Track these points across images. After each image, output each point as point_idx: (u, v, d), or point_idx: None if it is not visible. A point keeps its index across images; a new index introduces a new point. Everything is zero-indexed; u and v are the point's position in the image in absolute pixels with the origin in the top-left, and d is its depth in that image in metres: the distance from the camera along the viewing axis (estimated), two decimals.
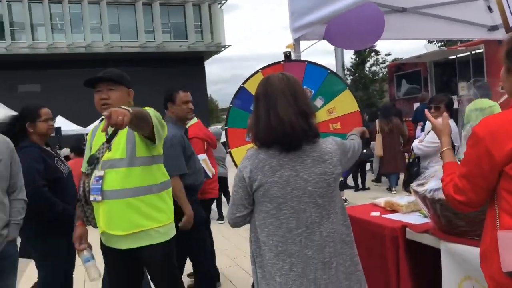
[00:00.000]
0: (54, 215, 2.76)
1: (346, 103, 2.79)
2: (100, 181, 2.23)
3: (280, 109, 1.64)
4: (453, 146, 3.48)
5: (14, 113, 3.02)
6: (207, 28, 29.06)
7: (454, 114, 3.39)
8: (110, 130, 2.25)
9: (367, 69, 20.65)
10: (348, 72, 20.51)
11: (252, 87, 2.76)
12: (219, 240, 4.93)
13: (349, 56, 24.32)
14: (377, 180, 9.39)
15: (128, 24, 27.53)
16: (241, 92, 2.88)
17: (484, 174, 1.41)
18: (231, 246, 5.32)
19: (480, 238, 1.95)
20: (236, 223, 1.80)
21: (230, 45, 29.84)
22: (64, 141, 14.02)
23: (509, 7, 1.77)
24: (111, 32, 26.86)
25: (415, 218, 2.45)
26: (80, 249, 2.48)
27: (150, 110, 2.15)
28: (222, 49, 29.73)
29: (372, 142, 8.68)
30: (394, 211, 2.68)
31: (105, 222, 2.26)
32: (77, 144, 7.97)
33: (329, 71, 2.81)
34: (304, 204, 1.67)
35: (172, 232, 2.40)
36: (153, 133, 2.12)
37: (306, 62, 2.79)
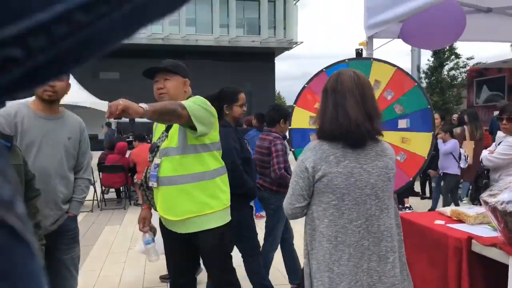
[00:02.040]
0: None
1: (422, 144, 2.73)
2: (157, 168, 2.36)
3: (349, 107, 1.68)
4: None
5: (95, 98, 3.25)
6: (281, 24, 29.10)
7: None
8: None
9: (446, 72, 19.53)
10: (424, 75, 19.55)
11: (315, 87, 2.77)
12: None
13: (426, 58, 23.18)
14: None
15: (204, 17, 28.34)
16: (304, 91, 2.89)
17: None
18: None
19: None
20: (294, 214, 1.81)
21: (302, 42, 29.68)
22: (136, 128, 14.81)
23: None
24: (188, 25, 27.82)
25: (483, 231, 2.32)
26: (143, 231, 2.65)
27: (189, 101, 2.19)
28: (294, 45, 29.63)
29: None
30: (460, 221, 2.56)
31: (161, 207, 2.39)
32: (141, 132, 8.43)
33: (429, 106, 2.73)
34: (365, 196, 1.69)
35: (226, 218, 2.45)
36: (192, 123, 2.16)
37: (416, 83, 2.74)
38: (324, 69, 2.80)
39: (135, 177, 7.56)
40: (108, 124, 14.45)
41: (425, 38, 2.63)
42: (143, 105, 1.92)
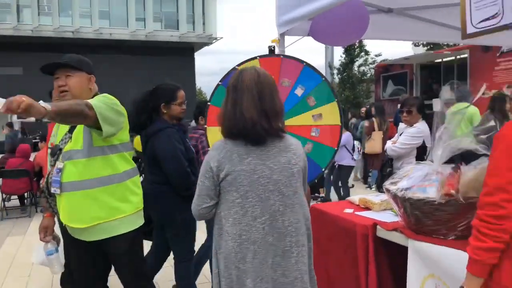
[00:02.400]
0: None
1: (332, 114, 2.82)
2: (60, 173, 2.18)
3: (244, 105, 1.70)
4: (425, 148, 3.58)
5: None
6: (200, 19, 28.82)
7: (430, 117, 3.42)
8: None
9: (356, 68, 20.75)
10: (336, 71, 20.58)
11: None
12: None
13: (338, 55, 24.41)
14: (366, 180, 9.41)
15: (118, 10, 27.15)
16: (234, 73, 2.87)
17: None
18: None
19: (446, 237, 2.01)
20: (202, 215, 1.81)
21: (221, 38, 29.68)
22: (45, 128, 13.81)
23: (471, 15, 1.79)
24: (101, 18, 26.46)
25: (387, 216, 2.49)
26: (45, 241, 2.43)
27: (95, 100, 2.07)
28: (214, 41, 29.54)
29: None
30: (367, 208, 2.72)
31: (65, 215, 2.22)
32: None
33: (323, 78, 2.82)
34: (269, 192, 1.72)
35: (139, 221, 2.35)
36: (98, 124, 2.03)
37: (304, 64, 2.79)
38: (236, 66, 2.82)
39: (41, 181, 7.05)
40: (10, 125, 13.28)
41: (332, 35, 2.76)
42: (45, 104, 1.74)
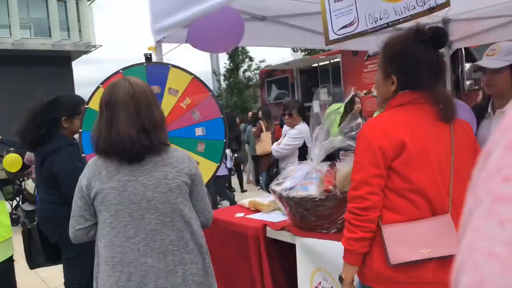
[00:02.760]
0: None
1: (178, 78, 2.76)
2: None
3: (121, 124, 1.56)
4: (306, 148, 3.81)
5: None
6: (75, 26, 26.99)
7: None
8: None
9: (241, 74, 21.29)
10: (223, 77, 20.89)
11: (96, 106, 2.54)
12: None
13: (223, 62, 24.81)
14: (258, 182, 9.64)
15: None
16: (87, 112, 2.55)
17: (382, 171, 1.44)
18: None
19: (328, 231, 2.13)
20: (77, 237, 1.67)
21: (101, 45, 28.14)
22: None
23: (331, 22, 1.94)
24: None
25: (276, 216, 2.57)
26: None
27: None
28: (93, 49, 27.88)
29: (245, 145, 8.99)
30: (257, 210, 2.78)
31: None
32: None
33: (169, 65, 2.77)
34: (143, 211, 1.59)
35: (8, 252, 2.14)
36: None
37: (144, 64, 2.73)
38: (121, 70, 2.66)
39: None
40: None
41: (209, 42, 2.75)
42: None
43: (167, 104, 2.70)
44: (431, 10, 1.56)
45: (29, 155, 6.81)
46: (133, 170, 1.60)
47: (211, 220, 1.84)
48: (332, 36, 1.90)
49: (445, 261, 1.43)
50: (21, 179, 7.31)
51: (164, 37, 2.79)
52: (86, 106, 2.57)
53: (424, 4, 1.57)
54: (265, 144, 8.14)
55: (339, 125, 2.41)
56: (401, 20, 1.66)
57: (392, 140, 1.43)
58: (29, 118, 2.61)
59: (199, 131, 2.79)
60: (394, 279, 1.43)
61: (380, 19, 1.72)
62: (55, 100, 2.72)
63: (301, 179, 2.21)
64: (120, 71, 2.69)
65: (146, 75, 2.69)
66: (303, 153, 3.83)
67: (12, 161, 6.62)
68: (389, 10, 1.68)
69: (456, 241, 1.35)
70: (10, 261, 2.12)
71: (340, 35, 1.87)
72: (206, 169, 2.66)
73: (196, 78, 2.80)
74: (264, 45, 3.77)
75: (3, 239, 2.06)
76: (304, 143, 3.84)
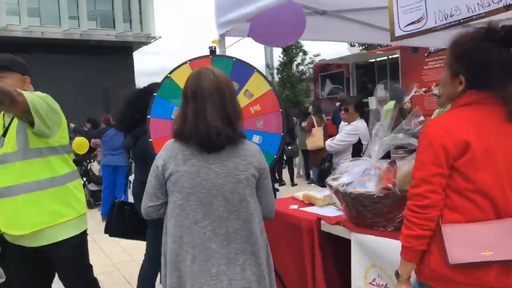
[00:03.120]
0: None
1: (258, 84, 2.84)
2: None
3: (209, 115, 1.63)
4: (361, 144, 3.77)
5: None
6: (137, 18, 28.06)
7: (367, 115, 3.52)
8: (7, 121, 2.13)
9: (295, 68, 21.21)
10: (276, 71, 20.91)
11: (178, 78, 2.71)
12: None
13: (277, 55, 24.79)
14: (308, 177, 9.63)
15: (49, 8, 25.74)
16: (167, 82, 2.82)
17: (443, 170, 1.42)
18: None
19: (385, 229, 2.12)
20: (148, 213, 1.76)
21: (160, 37, 29.08)
22: None
23: (398, 18, 1.90)
24: (30, 16, 24.96)
25: (330, 211, 2.59)
26: None
27: (28, 93, 1.99)
28: (152, 40, 28.88)
29: (296, 139, 8.99)
30: (311, 204, 2.81)
31: (3, 223, 2.11)
32: None
33: (255, 69, 2.85)
34: (212, 197, 1.66)
35: (82, 226, 2.27)
36: (30, 115, 1.96)
37: (234, 59, 2.81)
38: (168, 75, 2.80)
39: None
40: None
41: (271, 36, 2.80)
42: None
43: None
44: (507, 7, 1.50)
45: (95, 139, 7.24)
46: (207, 158, 1.66)
47: (274, 213, 1.90)
48: (398, 33, 1.87)
49: (509, 266, 1.39)
50: (87, 161, 7.80)
51: (227, 31, 2.87)
52: (169, 75, 2.78)
53: (500, 1, 1.52)
54: (316, 139, 8.10)
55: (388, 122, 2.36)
56: (474, 18, 1.61)
57: (455, 139, 1.41)
58: (126, 105, 2.93)
59: (256, 139, 2.86)
60: (453, 279, 1.42)
61: (451, 16, 1.68)
62: (147, 88, 3.00)
63: (359, 176, 2.21)
64: (210, 56, 2.84)
65: (231, 70, 2.79)
66: (357, 149, 3.81)
67: (80, 144, 7.08)
68: (462, 6, 1.63)
69: None
70: (84, 234, 2.29)
71: (406, 31, 1.84)
72: None
73: (273, 91, 2.88)
74: (323, 40, 3.77)
75: (78, 214, 2.23)
76: (359, 140, 3.79)
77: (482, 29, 1.47)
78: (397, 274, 1.56)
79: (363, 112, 3.92)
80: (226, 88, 1.70)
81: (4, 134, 2.15)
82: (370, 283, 2.12)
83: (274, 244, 2.77)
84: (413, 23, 1.82)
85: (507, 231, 1.39)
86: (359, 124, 3.84)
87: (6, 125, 2.17)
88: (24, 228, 2.09)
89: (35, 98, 1.97)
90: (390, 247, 1.95)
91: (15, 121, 2.12)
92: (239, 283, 1.67)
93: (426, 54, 8.47)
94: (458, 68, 1.49)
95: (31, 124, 2.00)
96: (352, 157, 3.71)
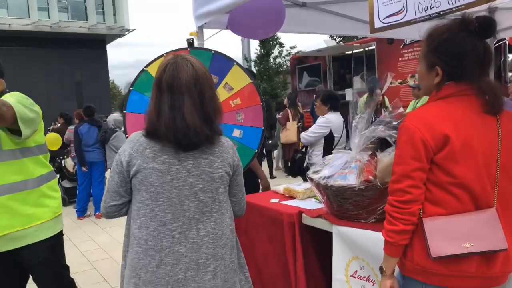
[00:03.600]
0: None
1: (238, 77, 2.81)
2: None
3: (187, 112, 1.49)
4: (333, 137, 3.86)
5: None
6: (110, 10, 27.45)
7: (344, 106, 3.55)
8: None
9: (272, 60, 21.18)
10: (253, 63, 20.85)
11: (155, 72, 2.64)
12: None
13: (254, 48, 24.75)
14: (286, 169, 9.67)
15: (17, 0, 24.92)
16: (143, 75, 2.74)
17: (424, 165, 1.42)
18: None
19: (366, 221, 2.14)
20: (109, 213, 1.62)
21: (134, 29, 28.55)
22: None
23: (378, 10, 1.90)
24: None
25: (311, 204, 2.59)
26: None
27: (10, 98, 1.92)
28: (126, 32, 28.32)
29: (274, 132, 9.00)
30: (292, 197, 2.80)
31: None
32: None
33: (235, 62, 2.81)
34: (183, 197, 1.53)
35: (57, 227, 2.21)
36: (14, 125, 1.91)
37: (213, 52, 2.76)
38: (189, 48, 2.75)
39: None
40: None
41: (250, 28, 2.77)
42: None
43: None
44: None
45: (68, 135, 7.05)
46: (179, 154, 1.54)
47: (245, 210, 1.84)
48: (377, 24, 1.87)
49: (489, 256, 1.41)
50: (61, 157, 7.60)
51: (205, 23, 2.82)
52: (145, 68, 2.71)
53: None
54: (289, 133, 8.16)
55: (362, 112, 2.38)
56: (453, 9, 1.61)
57: (434, 133, 1.41)
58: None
59: (236, 133, 2.83)
60: (435, 272, 1.43)
61: (431, 8, 1.68)
62: None
63: (340, 168, 2.21)
64: (189, 49, 2.78)
65: (210, 63, 2.75)
66: (329, 141, 3.92)
67: (52, 140, 6.88)
68: None
69: (501, 237, 1.33)
70: (60, 234, 2.22)
71: (386, 23, 1.84)
72: None
73: (253, 85, 2.84)
74: (303, 32, 3.75)
75: (54, 215, 2.16)
76: (331, 132, 3.89)
77: (456, 20, 1.48)
78: (381, 269, 1.56)
79: (333, 104, 4.00)
80: (206, 82, 1.56)
81: None
82: (351, 276, 2.13)
83: (255, 238, 2.77)
84: (392, 15, 1.82)
85: (486, 222, 1.42)
86: (332, 117, 3.92)
87: None
88: None
89: (19, 106, 1.90)
90: (372, 239, 1.96)
91: None
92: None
93: (401, 46, 8.59)
94: (434, 59, 1.49)
95: (12, 131, 1.92)
96: (324, 149, 3.87)
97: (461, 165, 1.41)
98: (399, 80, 8.13)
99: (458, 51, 1.44)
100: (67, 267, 2.33)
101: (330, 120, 3.87)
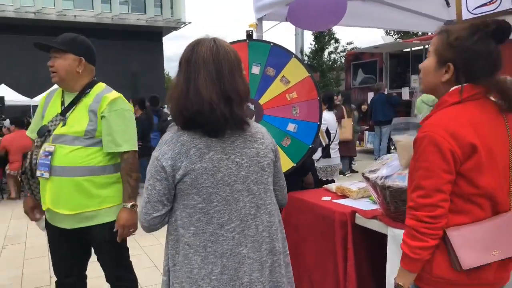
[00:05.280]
0: None
1: (296, 70, 2.75)
2: (50, 157, 2.12)
3: (201, 84, 1.36)
4: (329, 133, 4.12)
5: None
6: (168, 3, 28.21)
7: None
8: (67, 101, 2.19)
9: (326, 56, 20.89)
10: (306, 58, 20.66)
11: None
12: None
13: (308, 42, 24.37)
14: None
15: None
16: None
17: (453, 177, 1.36)
18: None
19: None
20: (151, 226, 1.46)
21: (190, 22, 29.19)
22: (8, 112, 13.21)
23: (466, 1, 1.79)
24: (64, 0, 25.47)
25: (365, 204, 2.50)
26: (37, 219, 2.39)
27: (123, 137, 2.18)
28: (182, 25, 29.01)
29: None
30: (344, 196, 2.73)
31: (51, 200, 2.16)
32: (20, 116, 7.59)
33: (293, 55, 2.77)
34: (237, 193, 1.42)
35: None
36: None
37: (271, 44, 2.74)
38: (247, 40, 2.73)
39: (6, 167, 6.74)
40: None
41: (310, 20, 2.71)
42: (129, 204, 2.20)
43: (274, 90, 2.74)
44: None
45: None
46: (225, 148, 1.41)
47: (287, 198, 1.75)
48: (466, 15, 1.76)
49: (506, 260, 1.41)
50: None
51: (264, 15, 2.79)
52: None
53: None
54: (345, 131, 7.98)
55: None
56: None
57: (462, 143, 1.34)
58: None
59: (291, 127, 2.79)
60: (456, 282, 1.41)
61: None
62: None
63: (399, 169, 2.11)
64: (247, 40, 2.77)
65: (268, 55, 2.73)
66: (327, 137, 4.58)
67: None
68: None
69: None
70: None
71: (476, 14, 1.72)
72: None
73: (311, 78, 2.79)
74: (361, 26, 3.63)
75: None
76: (327, 129, 4.57)
77: (475, 21, 1.44)
78: (398, 286, 1.47)
79: (330, 104, 4.95)
80: (225, 61, 1.40)
81: (63, 113, 2.20)
82: None
83: (304, 235, 2.72)
84: (484, 5, 1.70)
85: (506, 227, 1.41)
86: (327, 115, 4.47)
87: (66, 104, 2.23)
88: (71, 208, 2.14)
89: (131, 141, 2.22)
90: None
91: (84, 106, 2.17)
92: (268, 286, 1.49)
93: None
94: (448, 54, 1.42)
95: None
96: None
97: (486, 175, 1.36)
98: None
99: (475, 48, 1.40)
100: (127, 249, 2.44)
101: (325, 118, 4.32)
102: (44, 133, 2.18)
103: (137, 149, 2.22)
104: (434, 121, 1.41)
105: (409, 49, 10.54)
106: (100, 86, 2.28)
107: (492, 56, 1.41)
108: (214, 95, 1.35)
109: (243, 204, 1.43)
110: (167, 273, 1.49)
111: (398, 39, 13.07)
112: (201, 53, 1.39)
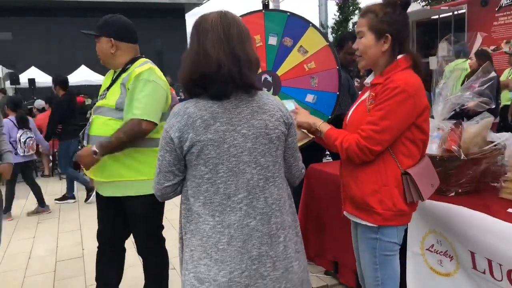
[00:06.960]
0: None
1: (313, 40, 2.69)
2: (88, 127, 2.26)
3: (209, 46, 1.37)
4: None
5: None
6: None
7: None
8: (109, 78, 2.33)
9: (351, 26, 20.35)
10: (331, 30, 20.18)
11: None
12: None
13: (332, 14, 23.84)
14: None
15: None
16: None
17: (405, 127, 1.62)
18: None
19: (446, 194, 2.01)
20: (164, 195, 1.50)
21: None
22: (38, 93, 13.56)
23: None
24: None
25: None
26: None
27: (142, 100, 2.13)
28: (204, 1, 28.74)
29: None
30: None
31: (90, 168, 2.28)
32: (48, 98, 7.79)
33: (310, 24, 2.72)
34: (243, 164, 1.41)
35: None
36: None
37: (288, 13, 2.69)
38: (263, 10, 2.71)
39: (40, 146, 6.99)
40: (2, 91, 13.01)
41: None
42: (94, 148, 2.12)
43: (292, 60, 2.70)
44: None
45: None
46: (231, 119, 1.40)
47: (299, 179, 1.64)
48: None
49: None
50: None
51: None
52: None
53: None
54: None
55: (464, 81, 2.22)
56: None
57: (423, 100, 1.62)
58: None
59: (309, 98, 2.75)
60: (406, 213, 1.69)
61: None
62: None
63: None
64: (263, 10, 2.74)
65: (285, 25, 2.69)
66: None
67: None
68: None
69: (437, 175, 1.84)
70: None
71: None
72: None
73: (330, 47, 2.72)
74: None
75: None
76: None
77: None
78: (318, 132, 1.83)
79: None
80: (235, 27, 1.41)
81: (109, 87, 2.29)
82: (427, 249, 2.03)
83: (323, 205, 2.74)
84: None
85: (430, 163, 1.78)
86: None
87: (114, 78, 2.32)
88: (105, 176, 2.24)
89: (150, 108, 2.16)
90: (452, 213, 1.85)
91: (120, 81, 2.24)
92: (283, 264, 1.47)
93: (496, 9, 7.77)
94: (384, 27, 1.65)
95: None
96: None
97: (428, 124, 1.69)
98: (492, 47, 7.39)
99: (401, 20, 1.67)
100: (162, 227, 2.47)
101: None
102: (93, 106, 2.34)
103: (151, 120, 2.13)
104: (407, 77, 1.62)
105: (437, 17, 10.13)
106: (139, 61, 2.30)
107: (408, 24, 1.73)
108: (222, 54, 1.36)
109: (251, 176, 1.42)
110: (181, 241, 1.54)
111: (425, 6, 12.55)
112: (209, 19, 1.42)
